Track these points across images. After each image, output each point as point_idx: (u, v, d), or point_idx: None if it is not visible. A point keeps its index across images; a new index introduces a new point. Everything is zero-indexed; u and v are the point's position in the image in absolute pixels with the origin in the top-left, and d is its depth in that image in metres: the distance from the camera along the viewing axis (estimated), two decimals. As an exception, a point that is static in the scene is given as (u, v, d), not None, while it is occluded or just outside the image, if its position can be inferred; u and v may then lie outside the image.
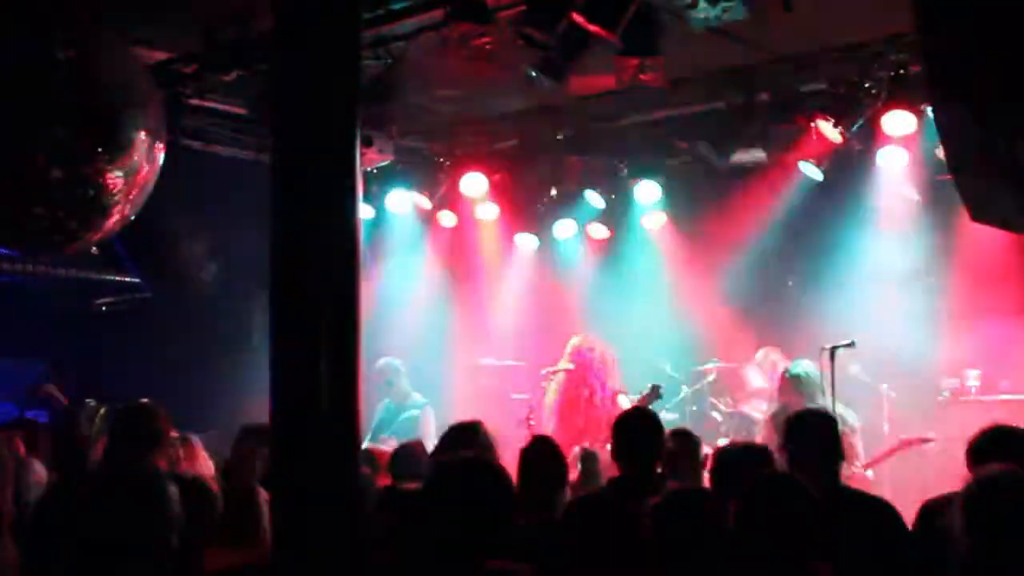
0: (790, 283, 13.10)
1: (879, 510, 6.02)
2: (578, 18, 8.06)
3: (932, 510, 5.80)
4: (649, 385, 11.13)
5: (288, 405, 4.96)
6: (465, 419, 7.19)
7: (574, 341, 12.09)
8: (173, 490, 4.28)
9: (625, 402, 11.66)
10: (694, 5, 7.81)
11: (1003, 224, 7.16)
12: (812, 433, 6.24)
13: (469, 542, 4.17)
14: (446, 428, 7.28)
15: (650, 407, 10.06)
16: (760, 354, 12.11)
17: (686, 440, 7.50)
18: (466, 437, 6.67)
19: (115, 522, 4.12)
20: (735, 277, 13.02)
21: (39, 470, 7.46)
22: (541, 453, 6.96)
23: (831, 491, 5.77)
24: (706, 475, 8.18)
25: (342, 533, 4.75)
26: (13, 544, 5.52)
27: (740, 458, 5.93)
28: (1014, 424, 6.38)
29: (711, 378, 12.34)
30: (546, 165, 12.83)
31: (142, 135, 8.85)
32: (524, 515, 6.61)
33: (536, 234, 13.94)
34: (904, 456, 10.83)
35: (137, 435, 6.77)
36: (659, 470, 6.53)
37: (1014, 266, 11.42)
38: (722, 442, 10.91)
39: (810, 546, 4.50)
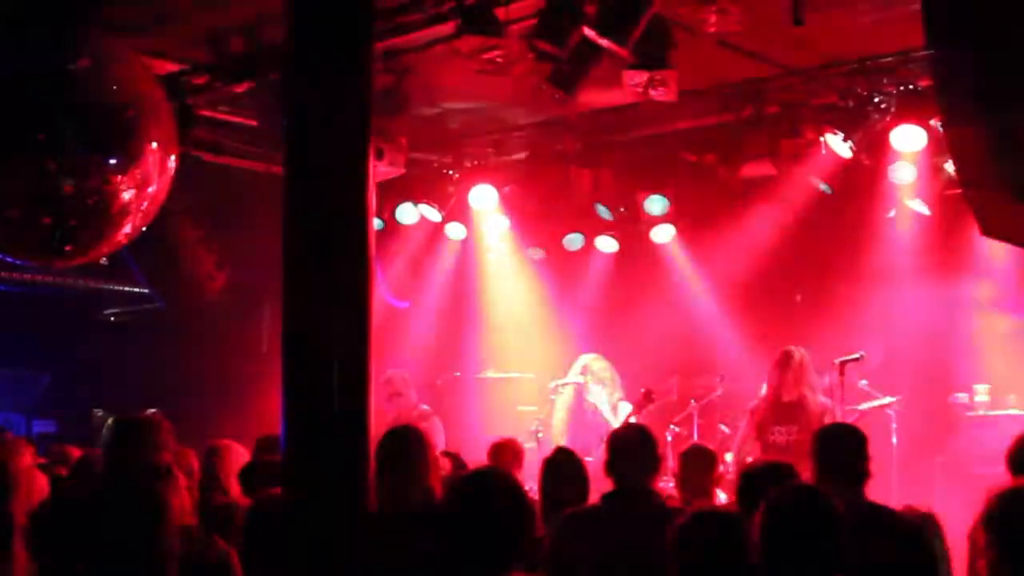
0: (798, 297, 13.08)
1: (904, 525, 6.00)
2: (589, 32, 8.08)
3: None
4: (641, 390, 11.17)
5: (300, 416, 4.98)
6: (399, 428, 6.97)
7: (583, 360, 12.11)
8: (164, 496, 4.32)
9: (625, 408, 11.70)
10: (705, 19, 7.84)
11: (1013, 239, 7.17)
12: (838, 447, 6.22)
13: (487, 556, 4.17)
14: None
15: (641, 418, 10.19)
16: None
17: (701, 455, 7.46)
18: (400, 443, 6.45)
19: (111, 531, 4.15)
20: (744, 291, 13.01)
21: (40, 480, 7.44)
22: (564, 464, 6.95)
23: (856, 505, 5.76)
24: (721, 494, 8.19)
25: (354, 541, 4.77)
26: (24, 552, 5.53)
27: (766, 476, 5.88)
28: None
29: (719, 392, 12.31)
30: (555, 178, 12.84)
31: (153, 146, 8.87)
32: (544, 526, 6.63)
33: (545, 247, 13.93)
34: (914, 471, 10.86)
35: (136, 446, 6.77)
36: (653, 485, 6.50)
37: (1021, 281, 11.42)
38: (731, 456, 10.90)
39: (834, 559, 4.47)
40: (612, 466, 6.38)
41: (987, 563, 4.54)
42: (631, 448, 6.40)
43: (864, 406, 10.83)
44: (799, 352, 10.55)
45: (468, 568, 4.20)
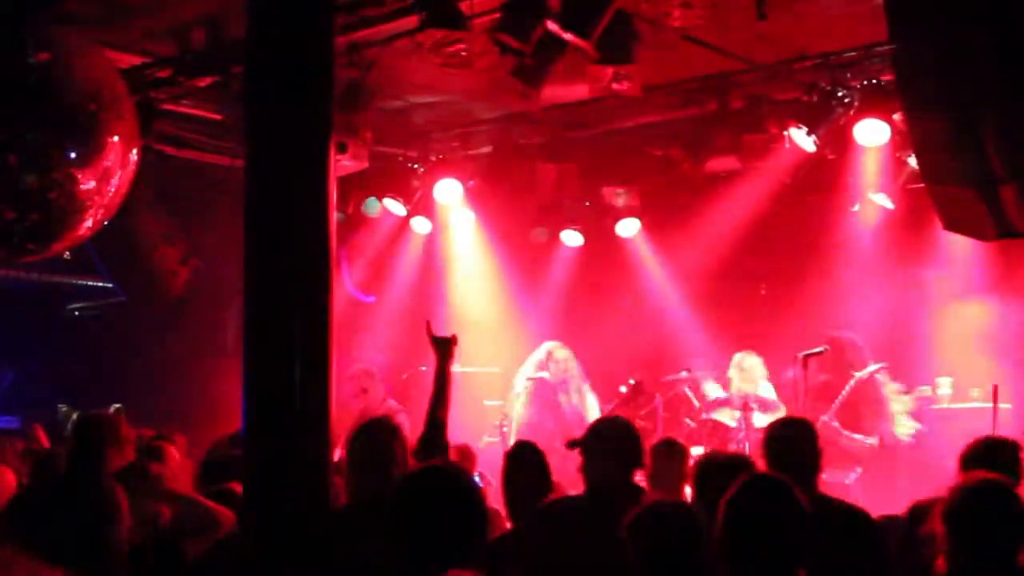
0: (763, 291, 13.13)
1: (856, 519, 6.03)
2: (553, 26, 8.07)
3: (920, 513, 5.86)
4: (630, 381, 11.22)
5: (261, 410, 4.97)
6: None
7: (546, 347, 12.13)
8: (119, 495, 4.35)
9: (594, 402, 11.71)
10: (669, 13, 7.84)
11: (975, 233, 7.20)
12: (788, 440, 6.24)
13: (427, 552, 4.18)
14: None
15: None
16: (737, 357, 12.12)
17: (672, 449, 7.44)
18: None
19: (67, 527, 4.18)
20: (708, 284, 13.05)
21: (7, 477, 7.42)
22: (524, 458, 6.91)
23: (810, 498, 5.78)
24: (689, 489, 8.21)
25: (312, 535, 4.76)
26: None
27: (723, 467, 5.89)
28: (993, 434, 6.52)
29: (685, 386, 12.35)
30: (521, 172, 12.83)
31: (115, 140, 8.82)
32: (511, 520, 6.61)
33: (510, 241, 13.94)
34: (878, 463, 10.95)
35: (93, 443, 6.82)
36: (635, 479, 6.44)
37: (984, 275, 11.49)
38: (697, 451, 10.94)
39: (795, 550, 4.49)
40: (591, 461, 6.25)
41: (944, 556, 4.58)
42: (611, 442, 6.29)
43: (859, 374, 10.98)
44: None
45: (409, 564, 4.21)
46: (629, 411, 10.99)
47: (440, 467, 4.61)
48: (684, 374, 12.37)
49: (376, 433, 6.20)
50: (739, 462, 6.07)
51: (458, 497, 4.29)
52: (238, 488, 5.98)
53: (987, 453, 6.38)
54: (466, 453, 8.66)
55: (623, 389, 11.32)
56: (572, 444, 6.48)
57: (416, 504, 4.27)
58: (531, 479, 6.76)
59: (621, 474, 6.21)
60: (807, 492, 5.89)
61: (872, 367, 11.05)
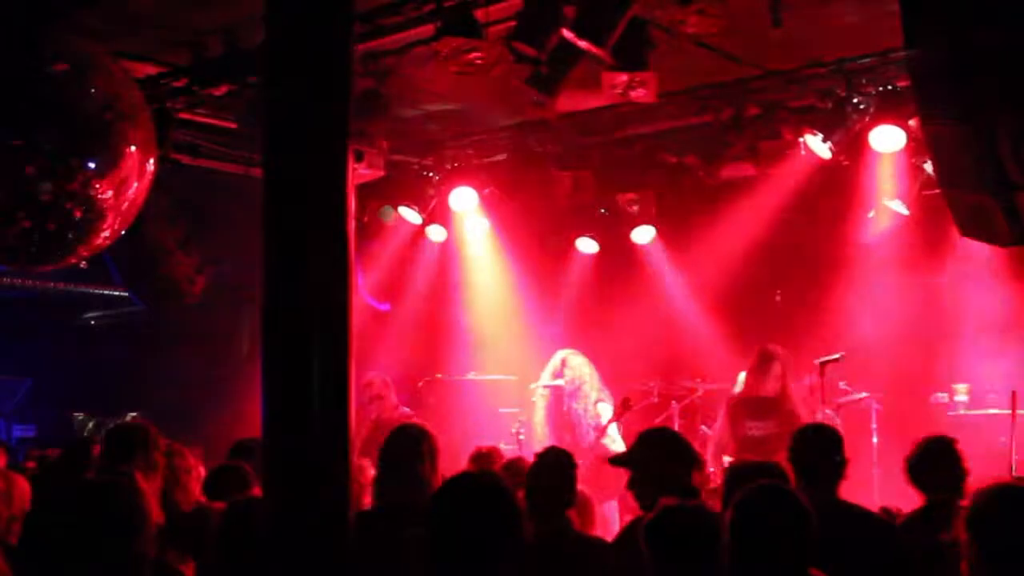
0: (778, 297, 13.12)
1: (877, 524, 6.03)
2: (568, 34, 8.07)
3: None
4: (622, 399, 11.26)
5: (279, 418, 4.97)
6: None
7: (560, 355, 12.13)
8: (139, 501, 4.38)
9: (606, 410, 11.70)
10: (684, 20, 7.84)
11: (992, 238, 7.19)
12: (812, 447, 6.26)
13: (465, 556, 4.19)
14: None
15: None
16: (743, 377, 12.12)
17: None
18: None
19: (84, 532, 4.20)
20: (724, 291, 13.04)
21: (22, 485, 7.44)
22: (550, 465, 6.88)
23: (829, 504, 5.78)
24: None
25: (332, 545, 4.76)
26: (3, 558, 5.54)
27: (753, 475, 5.86)
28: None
29: (699, 392, 12.34)
30: (536, 179, 12.84)
31: (132, 149, 8.85)
32: (532, 527, 6.57)
33: (525, 248, 13.94)
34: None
35: (123, 451, 6.84)
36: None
37: (1002, 280, 11.46)
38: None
39: (801, 556, 4.50)
40: (642, 477, 6.14)
41: (968, 562, 4.57)
42: (660, 455, 6.14)
43: (842, 399, 10.91)
44: (778, 350, 10.59)
45: (444, 568, 4.21)
46: (627, 420, 11.11)
47: (481, 473, 4.63)
48: (698, 381, 12.38)
49: (408, 437, 6.27)
50: (768, 469, 6.06)
51: (499, 503, 4.30)
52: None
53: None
54: (493, 457, 8.67)
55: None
56: (615, 461, 6.46)
57: (458, 509, 4.28)
58: (559, 485, 6.71)
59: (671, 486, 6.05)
60: (829, 497, 5.93)
61: (859, 395, 11.04)
